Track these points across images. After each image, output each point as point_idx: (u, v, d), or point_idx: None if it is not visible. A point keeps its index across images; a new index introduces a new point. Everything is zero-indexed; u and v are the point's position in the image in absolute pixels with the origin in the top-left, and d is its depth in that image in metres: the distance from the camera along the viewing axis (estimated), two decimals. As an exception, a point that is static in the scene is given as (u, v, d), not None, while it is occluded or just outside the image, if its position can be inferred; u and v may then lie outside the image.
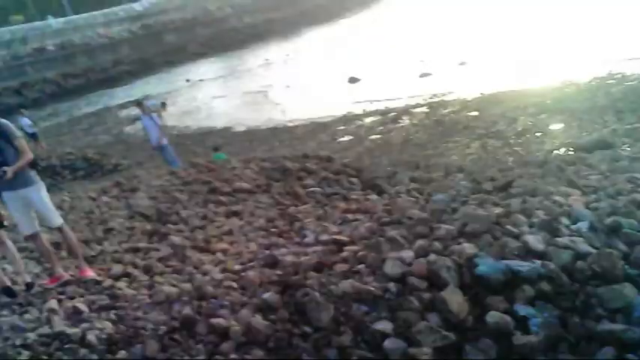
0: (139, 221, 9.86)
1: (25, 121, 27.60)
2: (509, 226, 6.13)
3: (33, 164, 7.84)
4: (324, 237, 7.05)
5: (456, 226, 6.36)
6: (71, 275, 7.96)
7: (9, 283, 7.81)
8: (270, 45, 57.13)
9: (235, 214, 9.81)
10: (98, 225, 9.97)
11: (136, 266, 7.92)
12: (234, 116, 28.28)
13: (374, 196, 9.50)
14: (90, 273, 7.90)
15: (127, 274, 7.64)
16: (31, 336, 6.20)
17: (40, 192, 7.76)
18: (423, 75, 26.54)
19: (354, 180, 11.09)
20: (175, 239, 8.60)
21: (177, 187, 11.36)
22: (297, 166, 12.04)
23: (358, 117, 21.83)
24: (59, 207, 11.29)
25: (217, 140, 23.16)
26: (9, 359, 5.89)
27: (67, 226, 8.09)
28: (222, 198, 10.51)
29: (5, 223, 8.07)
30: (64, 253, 8.43)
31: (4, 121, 7.68)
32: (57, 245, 8.43)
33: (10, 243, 8.04)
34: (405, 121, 19.63)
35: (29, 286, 7.82)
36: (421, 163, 13.90)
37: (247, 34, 65.66)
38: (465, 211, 6.61)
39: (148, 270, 7.63)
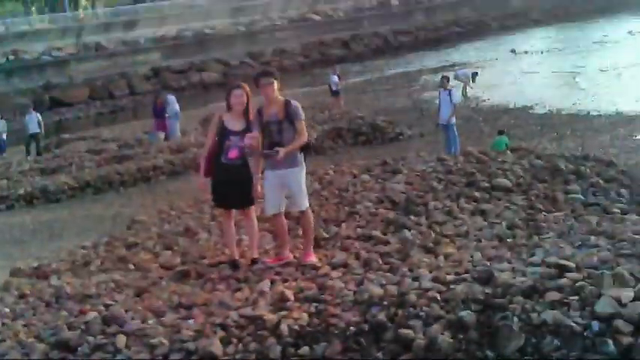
0: (385, 207, 9.74)
1: (334, 79, 28.64)
2: None
3: (306, 147, 8.02)
4: (552, 259, 6.44)
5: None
6: (295, 257, 8.08)
7: (237, 256, 8.13)
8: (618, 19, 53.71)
9: (482, 213, 9.33)
10: (346, 206, 10.00)
11: (357, 257, 7.81)
12: (540, 96, 27.13)
13: (633, 216, 8.50)
14: (312, 258, 7.96)
15: (345, 265, 7.54)
16: (233, 315, 6.35)
17: (300, 175, 7.95)
18: None
19: (624, 192, 10.04)
20: (408, 234, 8.35)
21: (438, 174, 11.07)
22: (571, 167, 11.17)
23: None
24: (320, 180, 11.59)
25: (510, 121, 22.43)
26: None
27: (309, 211, 8.19)
28: (477, 194, 10.05)
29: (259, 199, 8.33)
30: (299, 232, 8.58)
31: (295, 102, 7.90)
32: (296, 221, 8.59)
33: (255, 221, 8.31)
34: None
35: (253, 261, 8.07)
36: None
37: (597, 4, 62.47)
38: None
39: (365, 264, 7.49)
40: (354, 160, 18.30)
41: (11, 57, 51.52)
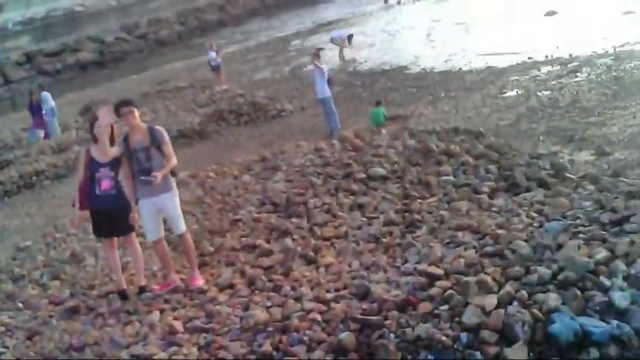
0: (266, 211, 10.02)
1: (211, 55, 28.52)
2: (603, 277, 5.75)
3: (172, 172, 8.16)
4: (422, 266, 6.85)
5: (552, 269, 6.04)
6: (182, 279, 8.29)
7: (124, 285, 8.27)
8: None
9: (360, 207, 9.72)
10: (229, 212, 10.23)
11: (243, 274, 8.07)
12: (415, 53, 27.68)
13: (499, 200, 9.02)
14: (198, 282, 8.19)
15: (231, 285, 7.79)
16: (124, 355, 6.53)
17: (175, 199, 8.13)
18: (626, 13, 24.66)
19: (492, 168, 10.58)
20: (289, 242, 8.65)
21: (316, 167, 11.38)
22: (442, 147, 11.63)
23: (536, 65, 20.71)
24: (202, 185, 11.74)
25: (387, 84, 22.92)
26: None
27: (188, 233, 8.38)
28: (354, 186, 10.42)
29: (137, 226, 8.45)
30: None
31: (158, 127, 8.03)
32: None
33: (138, 246, 8.45)
34: (583, 74, 18.42)
35: (141, 289, 8.24)
36: (577, 135, 13.18)
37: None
38: (566, 254, 6.21)
39: (251, 283, 7.76)
40: (240, 142, 18.68)
41: None
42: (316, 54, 18.16)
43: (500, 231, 7.30)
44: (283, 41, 40.87)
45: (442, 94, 19.79)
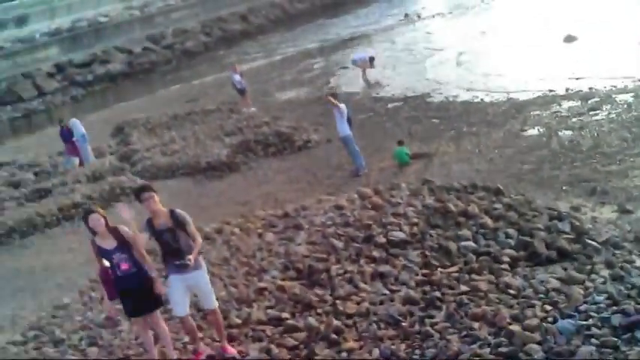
0: (290, 278, 10.44)
1: (235, 78, 28.93)
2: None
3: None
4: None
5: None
6: (210, 348, 8.78)
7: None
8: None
9: (381, 276, 10.11)
10: (254, 277, 10.66)
11: (269, 352, 8.49)
12: (437, 78, 27.99)
13: (517, 280, 9.37)
14: (230, 350, 8.67)
15: (257, 367, 8.23)
16: None
17: (206, 275, 8.60)
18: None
19: (512, 232, 10.91)
20: (312, 321, 9.05)
21: (337, 227, 11.77)
22: (461, 207, 11.98)
23: (557, 99, 20.95)
24: (227, 243, 12.18)
25: (411, 112, 23.22)
26: None
27: (218, 308, 8.84)
28: (375, 252, 10.79)
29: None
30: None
31: (179, 210, 8.47)
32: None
33: (163, 323, 8.92)
34: (604, 112, 18.65)
35: (174, 364, 8.74)
36: (599, 186, 13.46)
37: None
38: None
39: (276, 365, 8.19)
40: (268, 177, 19.13)
41: None
42: (332, 95, 18.52)
43: (515, 327, 7.63)
44: (307, 56, 41.31)
45: (464, 129, 20.06)
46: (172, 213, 8.50)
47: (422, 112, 23.06)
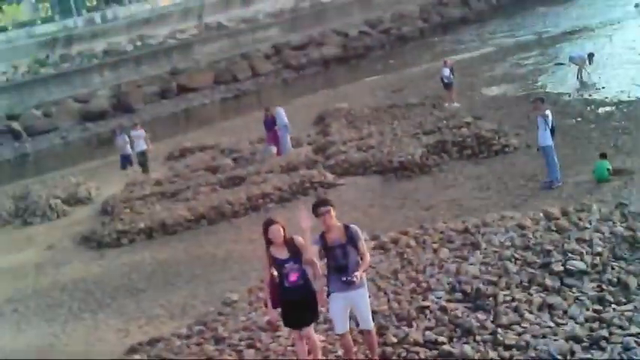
0: (455, 300, 10.19)
1: (445, 72, 28.69)
2: None
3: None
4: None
5: None
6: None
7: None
8: None
9: (550, 307, 9.65)
10: (419, 295, 10.51)
11: (417, 380, 8.37)
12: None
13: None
14: (382, 372, 8.63)
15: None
16: None
17: (366, 295, 8.62)
18: None
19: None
20: (468, 350, 8.78)
21: (515, 249, 11.36)
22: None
23: None
24: (401, 256, 12.10)
25: (621, 122, 21.93)
26: None
27: (374, 329, 8.82)
28: (549, 281, 10.29)
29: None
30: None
31: (353, 226, 8.55)
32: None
33: (314, 334, 9.02)
34: None
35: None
36: None
37: None
38: None
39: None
40: (457, 181, 18.79)
41: (138, 43, 53.48)
42: (536, 104, 17.79)
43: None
44: (522, 49, 40.13)
45: (679, 145, 18.70)
46: (347, 229, 8.52)
47: (633, 122, 21.69)
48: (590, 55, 29.91)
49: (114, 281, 16.28)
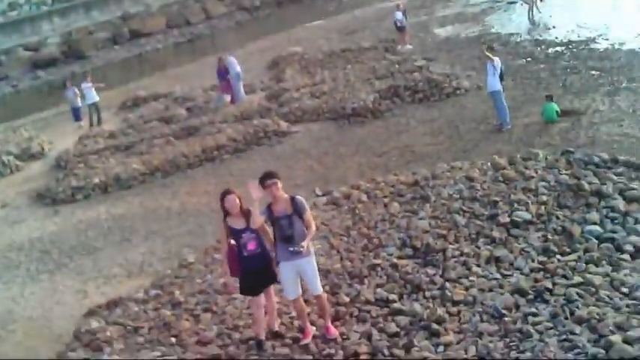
0: (406, 255, 10.45)
1: (398, 15, 28.71)
2: None
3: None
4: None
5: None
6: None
7: (263, 337, 9.08)
8: None
9: (497, 260, 9.97)
10: (371, 252, 10.74)
11: (370, 339, 8.63)
12: (608, 20, 26.60)
13: (632, 276, 9.01)
14: (333, 332, 8.90)
15: (355, 354, 8.36)
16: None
17: (313, 262, 8.84)
18: None
19: (641, 224, 10.45)
20: (417, 307, 9.05)
21: (463, 201, 11.61)
22: (595, 185, 11.51)
23: None
24: (352, 210, 12.29)
25: (570, 62, 22.17)
26: None
27: (324, 294, 9.05)
28: (496, 232, 10.58)
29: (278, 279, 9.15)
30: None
31: (299, 197, 8.75)
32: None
33: (274, 296, 9.25)
34: None
35: (276, 334, 9.17)
36: None
37: None
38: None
39: (373, 354, 8.30)
40: (410, 126, 18.96)
41: (87, -11, 52.28)
42: (488, 48, 17.94)
43: (616, 338, 7.35)
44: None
45: (623, 84, 19.01)
46: (293, 200, 8.66)
47: (582, 61, 21.99)
48: (541, -6, 29.98)
49: (70, 240, 16.23)
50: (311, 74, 25.99)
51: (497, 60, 17.45)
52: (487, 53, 17.59)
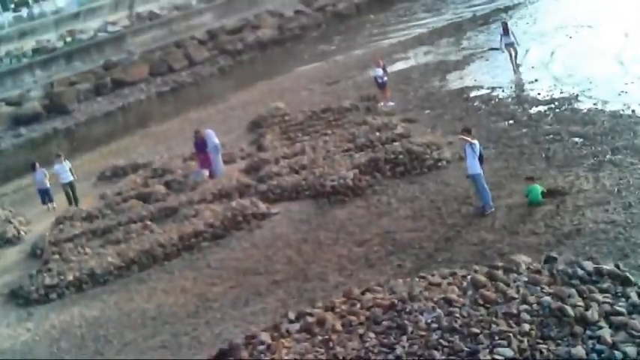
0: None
1: (378, 72, 28.48)
2: None
3: None
4: None
5: None
6: None
7: None
8: None
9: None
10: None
11: None
12: (590, 73, 26.22)
13: None
14: None
15: None
16: None
17: None
18: None
19: (631, 351, 9.88)
20: None
21: (443, 331, 11.08)
22: (579, 309, 10.98)
23: None
24: (326, 343, 11.73)
25: (553, 125, 21.80)
26: None
27: None
28: None
29: None
30: None
31: None
32: None
33: None
34: None
35: None
36: None
37: None
38: None
39: None
40: (391, 207, 18.57)
41: (68, 39, 51.90)
42: (465, 131, 17.57)
43: None
44: (456, 30, 39.92)
45: (607, 156, 18.58)
46: None
47: (565, 125, 21.56)
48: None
49: (42, 353, 15.72)
50: (292, 140, 25.58)
51: (476, 143, 17.08)
52: (465, 137, 17.23)
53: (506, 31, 28.70)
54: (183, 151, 27.89)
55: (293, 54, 48.09)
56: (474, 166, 17.07)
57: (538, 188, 16.90)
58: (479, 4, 46.11)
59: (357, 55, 40.98)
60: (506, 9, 42.16)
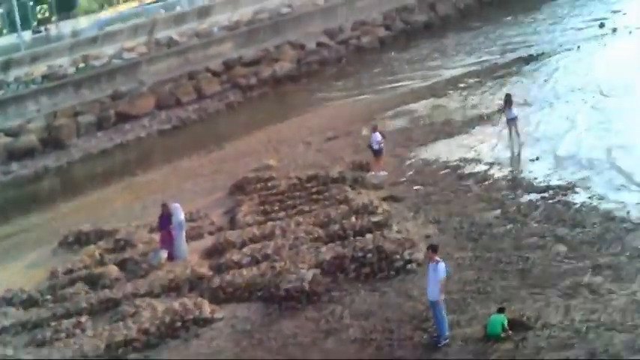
0: None
1: (375, 137, 26.91)
2: None
3: None
4: None
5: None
6: None
7: None
8: None
9: None
10: None
11: None
12: (590, 158, 24.36)
13: None
14: None
15: None
16: None
17: None
18: None
19: None
20: None
21: None
22: None
23: None
24: None
25: (540, 223, 20.06)
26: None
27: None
28: None
29: None
30: None
31: None
32: None
33: None
34: None
35: None
36: None
37: None
38: None
39: None
40: (343, 322, 16.93)
41: (81, 65, 50.59)
42: (430, 247, 15.80)
43: None
44: (469, 84, 38.01)
45: (585, 278, 16.61)
46: None
47: (552, 226, 19.70)
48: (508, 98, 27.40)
49: None
50: (266, 215, 23.83)
51: (441, 264, 15.28)
52: (431, 255, 15.50)
53: (508, 103, 26.55)
54: (154, 217, 25.92)
55: (305, 93, 46.28)
56: (434, 293, 15.38)
57: (499, 320, 15.08)
58: (508, 45, 44.28)
59: (367, 100, 39.29)
60: (528, 60, 39.90)
